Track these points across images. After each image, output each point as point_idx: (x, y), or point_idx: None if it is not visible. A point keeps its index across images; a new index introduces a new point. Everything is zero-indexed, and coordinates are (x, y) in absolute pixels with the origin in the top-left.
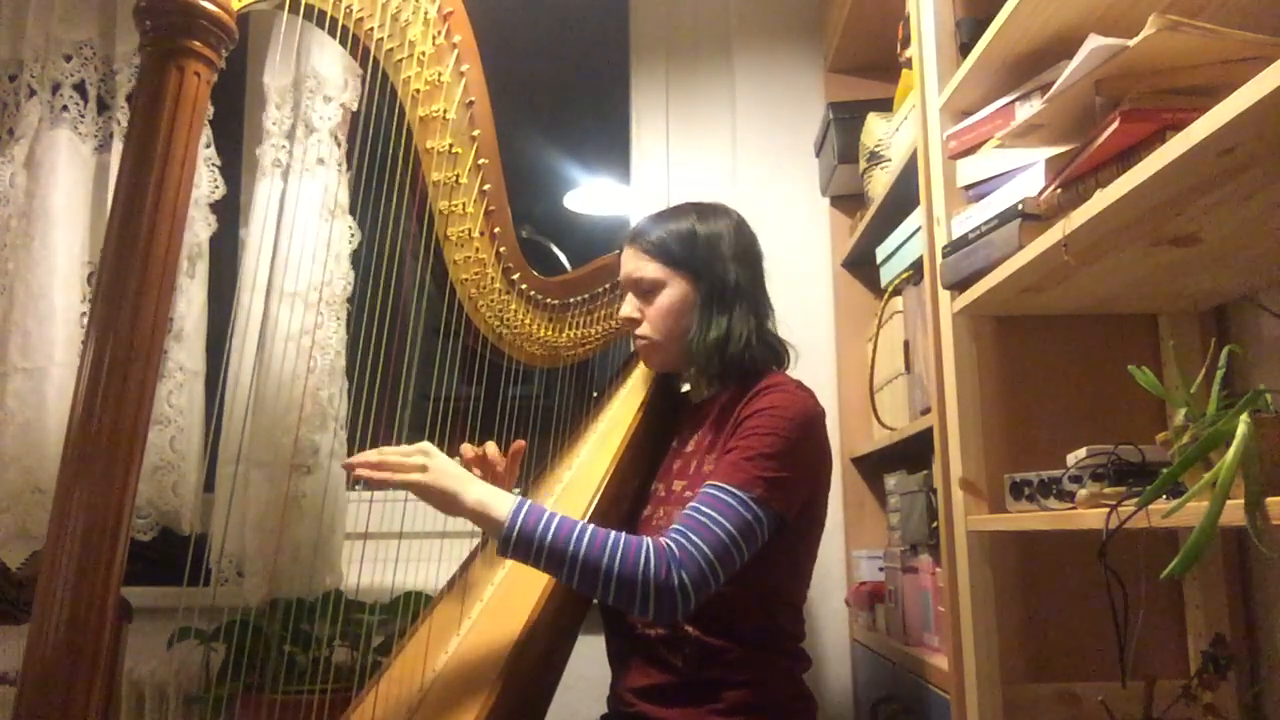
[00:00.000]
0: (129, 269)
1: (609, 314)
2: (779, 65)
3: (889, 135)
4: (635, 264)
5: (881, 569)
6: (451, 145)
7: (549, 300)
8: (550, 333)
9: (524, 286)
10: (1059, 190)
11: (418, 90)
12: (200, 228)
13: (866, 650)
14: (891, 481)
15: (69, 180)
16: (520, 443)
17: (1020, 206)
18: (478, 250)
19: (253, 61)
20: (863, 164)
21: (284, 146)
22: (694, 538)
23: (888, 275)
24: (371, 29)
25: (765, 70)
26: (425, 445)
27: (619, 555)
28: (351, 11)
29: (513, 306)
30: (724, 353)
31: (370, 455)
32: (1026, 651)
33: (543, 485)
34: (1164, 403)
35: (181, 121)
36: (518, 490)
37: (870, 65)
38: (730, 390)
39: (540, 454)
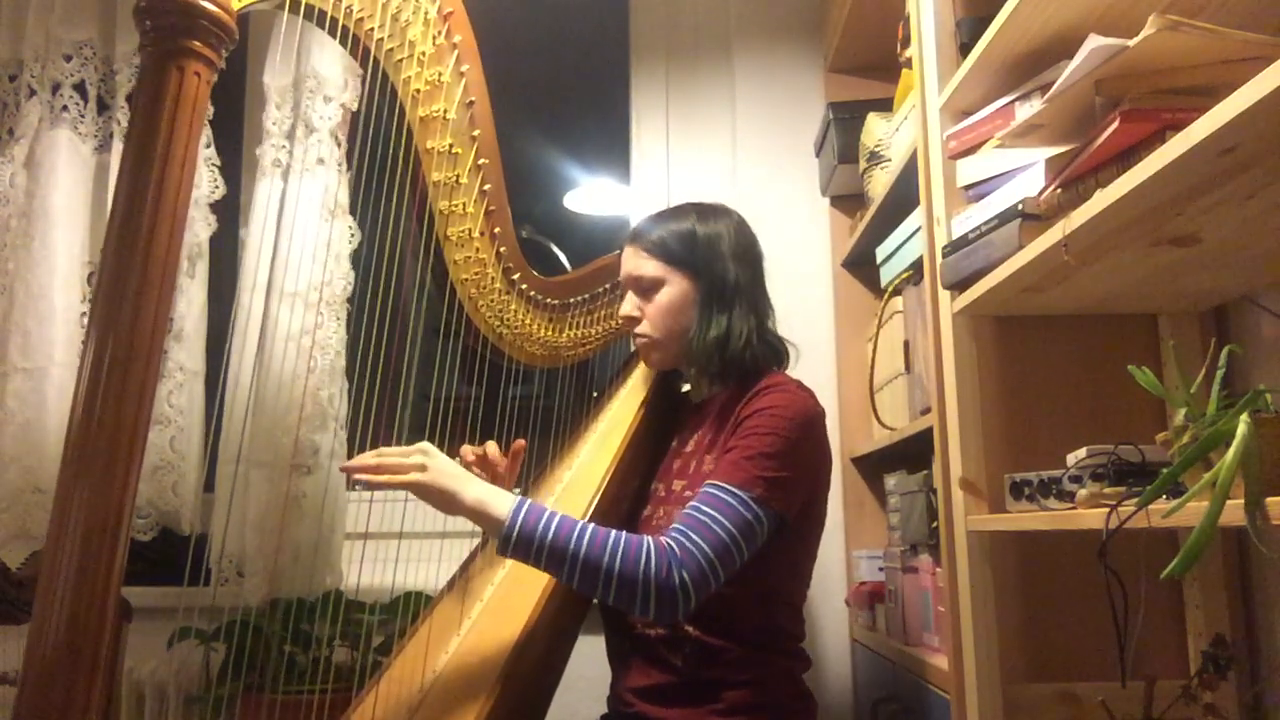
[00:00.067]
0: (129, 269)
1: (609, 314)
2: (779, 65)
3: (889, 135)
4: (635, 262)
5: (881, 569)
6: (452, 145)
7: (549, 300)
8: (550, 333)
9: (524, 287)
10: (1059, 190)
11: (418, 90)
12: (200, 228)
13: (866, 650)
14: (891, 481)
15: (69, 180)
16: (520, 442)
17: (1020, 206)
18: (478, 250)
19: (253, 61)
20: (863, 164)
21: (284, 146)
22: (694, 537)
23: (888, 275)
24: (372, 29)
25: (765, 70)
26: (424, 445)
27: (619, 554)
28: (351, 11)
29: (513, 307)
30: (724, 351)
31: (369, 456)
32: (1026, 651)
33: (543, 485)
34: (1164, 403)
35: (181, 121)
36: (518, 490)
37: (870, 65)
38: (730, 390)
39: (540, 454)
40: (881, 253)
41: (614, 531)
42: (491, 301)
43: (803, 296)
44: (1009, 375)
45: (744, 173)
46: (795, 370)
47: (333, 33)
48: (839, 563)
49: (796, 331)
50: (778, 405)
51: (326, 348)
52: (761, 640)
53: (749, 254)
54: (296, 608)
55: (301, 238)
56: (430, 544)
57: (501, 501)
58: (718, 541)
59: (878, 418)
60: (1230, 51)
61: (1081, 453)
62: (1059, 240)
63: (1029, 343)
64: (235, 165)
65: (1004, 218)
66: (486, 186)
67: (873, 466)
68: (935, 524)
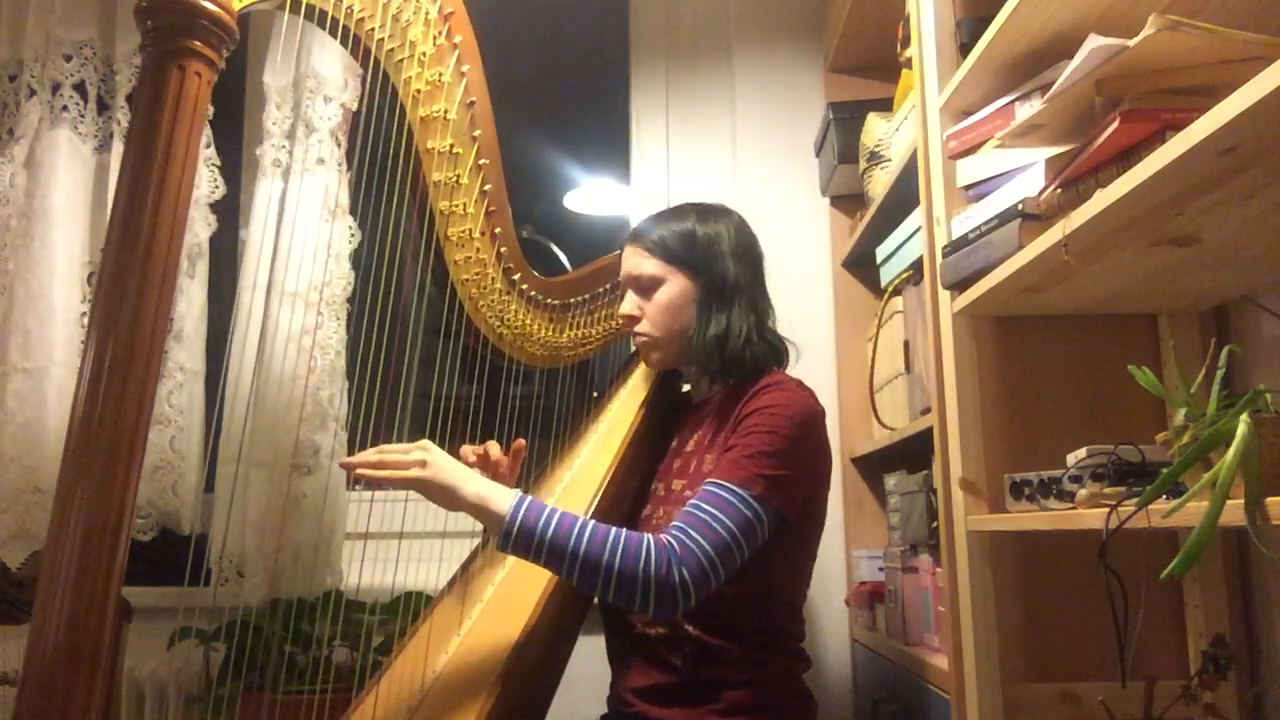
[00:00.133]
0: (129, 269)
1: (610, 314)
2: (779, 65)
3: (889, 135)
4: (635, 261)
5: (881, 569)
6: (452, 145)
7: (550, 300)
8: (551, 333)
9: (525, 287)
10: (1059, 190)
11: (418, 90)
12: (200, 228)
13: (866, 650)
14: (891, 481)
15: (69, 180)
16: (521, 442)
17: (1020, 206)
18: (478, 250)
19: (253, 61)
20: (863, 164)
21: (284, 146)
22: (694, 534)
23: (888, 275)
24: (372, 29)
25: (765, 70)
26: (425, 443)
27: (619, 551)
28: (352, 11)
29: (513, 307)
30: (724, 350)
31: (369, 454)
32: (1026, 651)
33: (543, 485)
34: (1164, 403)
35: (182, 121)
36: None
37: (870, 65)
38: (730, 389)
39: (541, 454)
40: (881, 253)
41: (614, 528)
42: (492, 302)
43: (803, 296)
44: (1009, 375)
45: (744, 173)
46: (795, 370)
47: (333, 33)
48: (839, 563)
49: (796, 331)
50: (778, 404)
51: (326, 348)
52: (761, 640)
53: (749, 254)
54: (297, 608)
55: (302, 238)
56: (430, 544)
57: (502, 497)
58: (718, 539)
59: (878, 418)
60: (1230, 51)
61: (1081, 453)
62: (1059, 240)
63: (1029, 343)
64: (235, 165)
65: (1004, 218)
66: (487, 187)
67: (873, 466)
68: (935, 524)
